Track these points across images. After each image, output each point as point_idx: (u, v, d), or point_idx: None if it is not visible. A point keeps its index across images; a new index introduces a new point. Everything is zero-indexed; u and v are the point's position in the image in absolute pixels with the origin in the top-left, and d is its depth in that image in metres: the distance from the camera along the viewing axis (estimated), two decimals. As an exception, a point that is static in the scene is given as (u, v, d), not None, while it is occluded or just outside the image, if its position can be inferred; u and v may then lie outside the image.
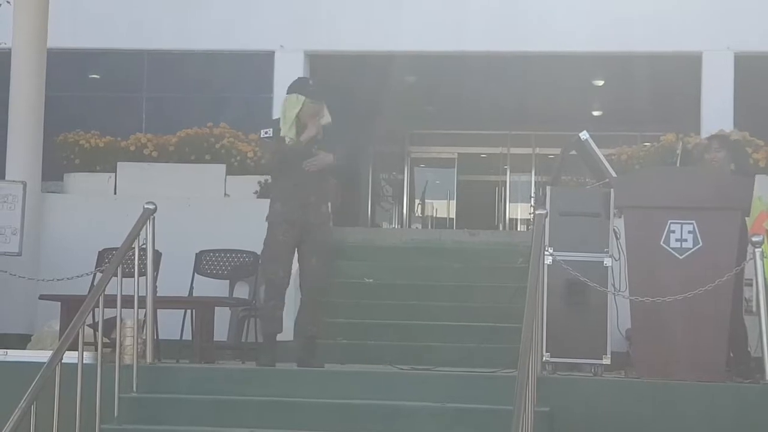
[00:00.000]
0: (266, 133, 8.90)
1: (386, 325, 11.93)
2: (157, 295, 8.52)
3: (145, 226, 8.02)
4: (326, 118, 8.87)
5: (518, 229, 23.43)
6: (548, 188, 8.57)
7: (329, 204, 9.04)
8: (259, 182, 13.93)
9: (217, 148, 14.33)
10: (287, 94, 8.87)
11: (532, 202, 22.26)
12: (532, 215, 9.17)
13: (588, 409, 7.52)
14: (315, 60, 17.33)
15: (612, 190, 8.26)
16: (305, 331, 8.88)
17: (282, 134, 8.76)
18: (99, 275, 8.46)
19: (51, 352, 6.85)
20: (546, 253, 7.95)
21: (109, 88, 17.94)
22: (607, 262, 8.20)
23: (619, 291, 8.13)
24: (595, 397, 7.59)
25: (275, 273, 8.73)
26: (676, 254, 7.90)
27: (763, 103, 16.23)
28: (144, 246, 8.07)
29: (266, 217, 8.85)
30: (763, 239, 7.85)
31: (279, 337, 8.95)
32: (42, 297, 10.05)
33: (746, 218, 8.56)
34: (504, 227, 23.79)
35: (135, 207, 8.26)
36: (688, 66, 16.51)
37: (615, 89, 19.41)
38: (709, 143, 9.35)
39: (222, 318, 11.12)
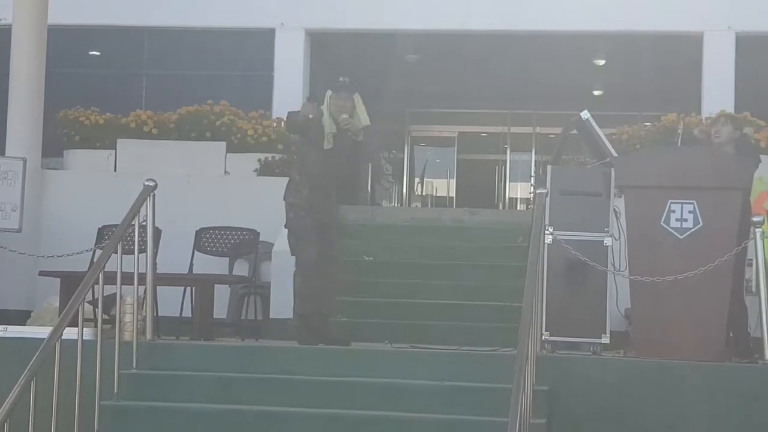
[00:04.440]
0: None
1: (385, 303, 11.92)
2: (157, 272, 8.53)
3: (145, 203, 8.02)
4: (357, 119, 9.00)
5: (518, 208, 23.43)
6: (549, 167, 8.57)
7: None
8: (259, 160, 13.93)
9: (217, 125, 14.31)
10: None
11: (533, 182, 22.29)
12: (532, 194, 9.17)
13: (587, 388, 7.53)
14: (316, 38, 17.30)
15: (613, 169, 8.26)
16: (328, 312, 9.16)
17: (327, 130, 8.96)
18: (99, 252, 8.47)
19: (51, 328, 6.86)
20: (546, 232, 7.95)
21: (109, 64, 17.91)
22: (608, 241, 8.20)
23: (619, 270, 8.13)
24: (594, 377, 7.60)
25: (309, 252, 8.93)
26: (677, 234, 7.91)
27: (764, 83, 16.21)
28: (144, 223, 8.07)
29: (286, 197, 9.02)
30: (764, 219, 7.85)
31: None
32: (42, 273, 10.05)
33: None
34: (504, 206, 23.79)
35: (135, 184, 8.26)
36: (690, 46, 16.48)
37: (616, 69, 19.39)
38: (717, 118, 9.33)
39: (222, 295, 11.13)
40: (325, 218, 9.06)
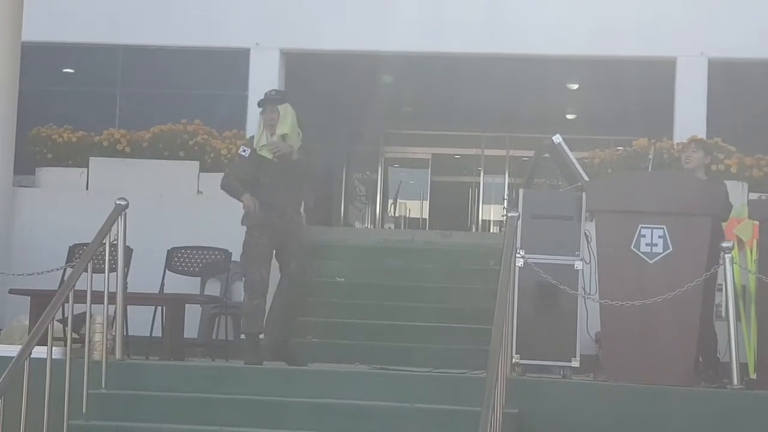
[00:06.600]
0: (244, 151, 9.25)
1: (356, 324, 11.93)
2: (128, 291, 8.51)
3: (116, 222, 8.01)
4: (283, 128, 9.04)
5: (491, 230, 23.46)
6: (521, 191, 8.60)
7: (302, 209, 9.25)
8: (233, 180, 13.88)
9: (190, 144, 14.28)
10: None
11: (505, 204, 22.36)
12: (504, 217, 9.20)
13: (556, 412, 7.55)
14: (291, 58, 17.28)
15: (584, 193, 8.29)
16: (280, 331, 9.03)
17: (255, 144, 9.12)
18: (69, 270, 8.44)
19: (20, 346, 6.83)
20: (517, 255, 7.97)
21: (83, 82, 17.84)
22: (578, 265, 8.23)
23: (589, 294, 8.16)
24: (563, 400, 7.62)
25: (258, 272, 8.93)
26: (647, 258, 7.94)
27: (736, 110, 16.29)
28: (115, 242, 8.05)
29: (242, 221, 9.05)
30: (733, 245, 7.90)
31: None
32: (12, 291, 10.00)
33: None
34: (477, 229, 23.82)
35: (107, 203, 8.25)
36: (662, 71, 16.55)
37: (589, 93, 19.46)
38: (688, 144, 9.42)
39: (192, 315, 11.09)
40: (284, 239, 9.04)
